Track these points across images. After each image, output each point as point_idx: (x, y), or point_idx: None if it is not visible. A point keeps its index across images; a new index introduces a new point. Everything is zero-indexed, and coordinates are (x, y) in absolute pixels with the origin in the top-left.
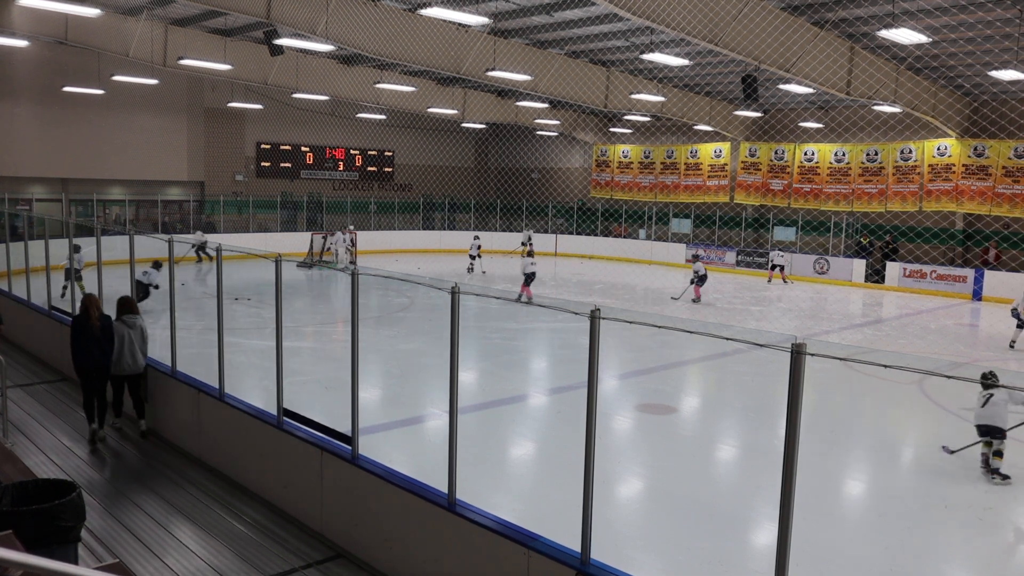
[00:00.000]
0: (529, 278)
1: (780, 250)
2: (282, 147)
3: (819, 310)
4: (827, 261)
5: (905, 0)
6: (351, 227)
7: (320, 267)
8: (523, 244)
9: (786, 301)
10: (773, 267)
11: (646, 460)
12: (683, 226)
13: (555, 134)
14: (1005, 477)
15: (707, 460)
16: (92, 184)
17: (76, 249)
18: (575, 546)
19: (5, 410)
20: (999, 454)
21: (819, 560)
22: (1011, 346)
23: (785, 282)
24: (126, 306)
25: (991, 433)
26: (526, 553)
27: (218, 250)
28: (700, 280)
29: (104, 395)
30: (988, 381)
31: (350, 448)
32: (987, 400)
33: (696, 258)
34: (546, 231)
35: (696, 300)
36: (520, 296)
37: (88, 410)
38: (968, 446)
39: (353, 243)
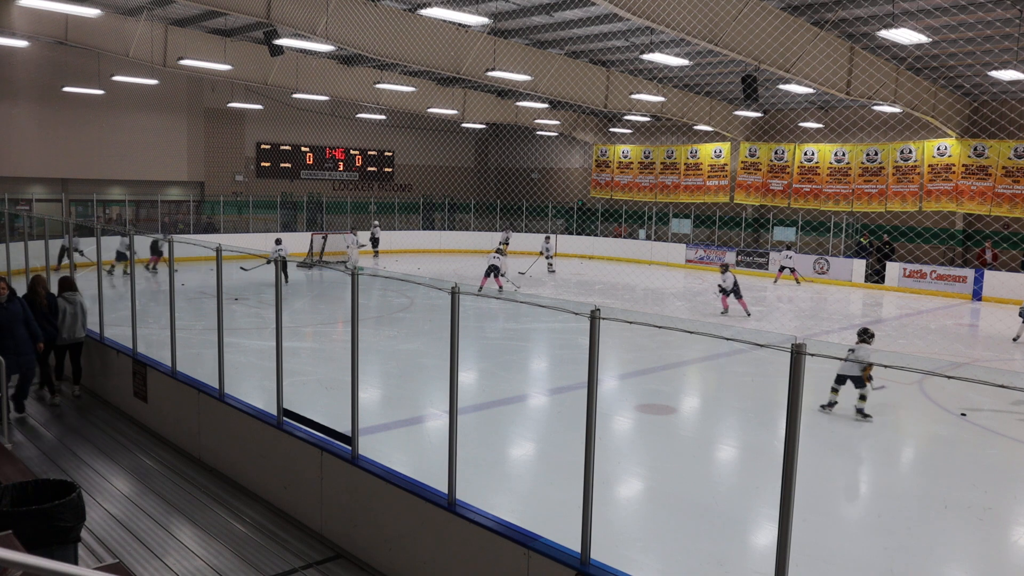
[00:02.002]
0: (490, 270)
1: (790, 251)
2: (282, 147)
3: (819, 310)
4: (827, 261)
5: (905, 0)
6: (376, 223)
7: (320, 267)
8: (503, 243)
9: (786, 301)
10: (781, 268)
11: (646, 461)
12: (683, 226)
13: (555, 134)
14: (868, 416)
15: (707, 461)
16: (92, 184)
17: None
18: (575, 546)
19: (5, 410)
20: (864, 398)
21: (819, 560)
22: (1015, 340)
23: (798, 283)
24: (67, 284)
25: (857, 383)
26: (526, 553)
27: (218, 250)
28: (733, 292)
29: (46, 363)
30: (865, 337)
31: (350, 448)
32: (849, 355)
33: (726, 268)
34: (546, 231)
35: (724, 312)
36: (480, 288)
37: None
38: (829, 405)
39: (368, 241)
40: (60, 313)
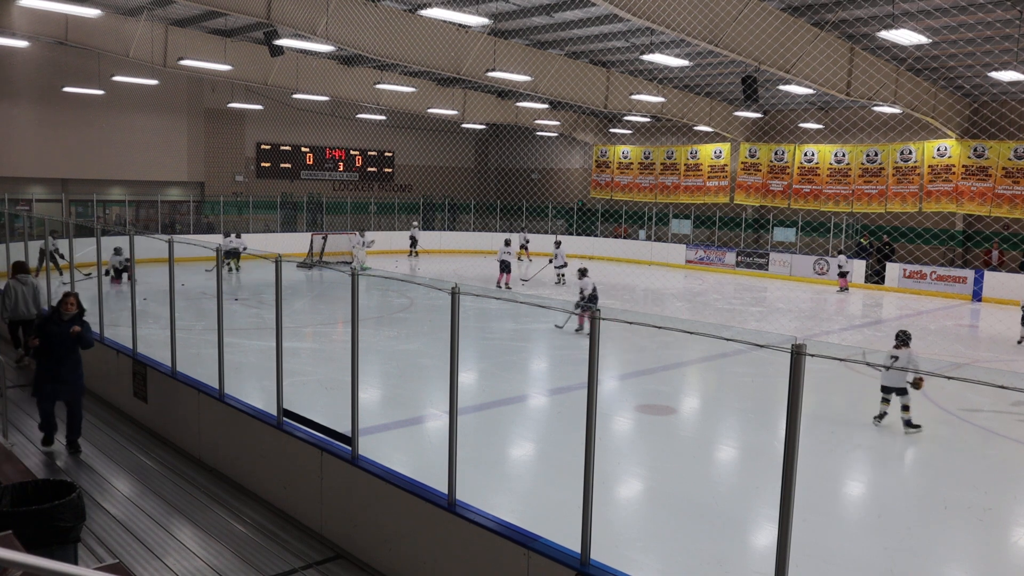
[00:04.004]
0: (504, 266)
1: (847, 256)
2: (282, 148)
3: (819, 311)
4: (827, 262)
5: (905, 1)
6: (415, 224)
7: (320, 267)
8: (522, 246)
9: (785, 302)
10: (843, 274)
11: (646, 461)
12: (683, 227)
13: (555, 135)
14: (917, 426)
15: (707, 461)
16: (92, 185)
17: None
18: (575, 547)
19: (5, 410)
20: (907, 408)
21: (819, 560)
22: (1020, 343)
23: (846, 289)
24: (20, 268)
25: (900, 392)
26: (526, 554)
27: (218, 250)
28: (589, 302)
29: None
30: (905, 340)
31: (350, 449)
32: (893, 363)
33: (583, 273)
34: (546, 232)
35: (579, 330)
36: (498, 283)
37: None
38: (879, 416)
39: (409, 239)
40: (11, 294)
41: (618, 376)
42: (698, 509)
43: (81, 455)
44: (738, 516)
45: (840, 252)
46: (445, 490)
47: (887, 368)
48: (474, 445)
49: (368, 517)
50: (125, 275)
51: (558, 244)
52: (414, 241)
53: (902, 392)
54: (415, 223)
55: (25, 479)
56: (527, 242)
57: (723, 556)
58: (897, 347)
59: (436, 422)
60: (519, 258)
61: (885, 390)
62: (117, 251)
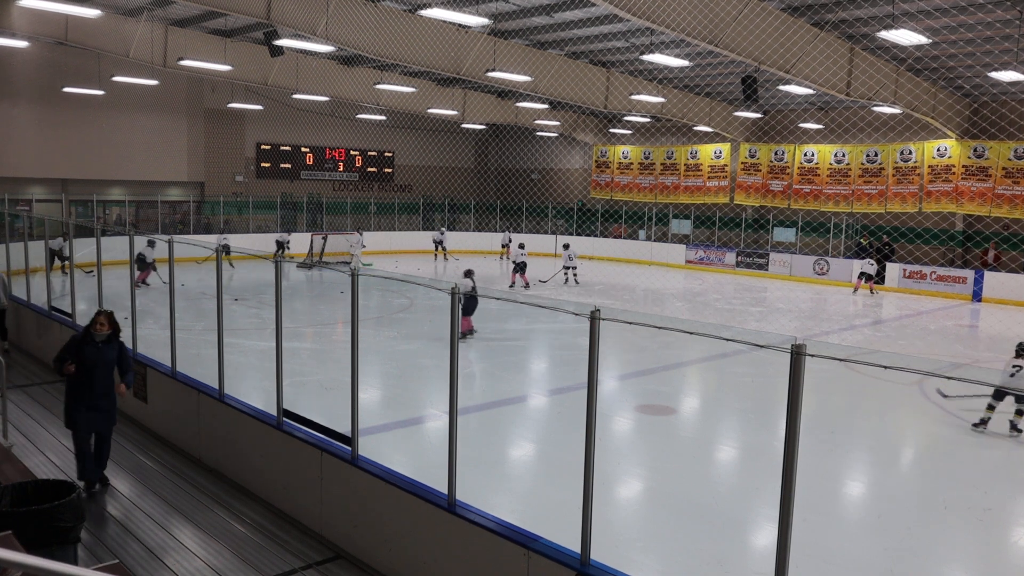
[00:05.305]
0: (518, 267)
1: (870, 258)
2: (282, 148)
3: (819, 311)
4: (827, 262)
5: (905, 1)
6: (443, 229)
7: (320, 267)
8: (504, 245)
9: (785, 302)
10: (861, 275)
11: (646, 461)
12: (683, 227)
13: (555, 135)
14: (1020, 431)
15: (707, 461)
16: (92, 185)
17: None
18: (575, 547)
19: (5, 410)
20: (1021, 413)
21: (819, 561)
22: None
23: (872, 293)
24: None
25: (1021, 399)
26: (526, 554)
27: (217, 250)
28: (464, 309)
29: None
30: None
31: (350, 449)
32: (1016, 372)
33: (467, 274)
34: (546, 232)
35: (467, 334)
36: (512, 284)
37: None
38: (982, 423)
39: (442, 244)
40: None
41: (618, 376)
42: (698, 509)
43: (110, 485)
44: (738, 516)
45: (866, 255)
46: (445, 490)
47: (1011, 375)
48: (474, 445)
49: (368, 517)
50: (154, 271)
51: (566, 247)
52: (439, 243)
53: (1021, 399)
54: (443, 228)
55: (25, 479)
56: (510, 242)
57: (723, 556)
58: (1021, 357)
59: (436, 422)
60: (500, 257)
61: (998, 395)
62: (151, 243)
